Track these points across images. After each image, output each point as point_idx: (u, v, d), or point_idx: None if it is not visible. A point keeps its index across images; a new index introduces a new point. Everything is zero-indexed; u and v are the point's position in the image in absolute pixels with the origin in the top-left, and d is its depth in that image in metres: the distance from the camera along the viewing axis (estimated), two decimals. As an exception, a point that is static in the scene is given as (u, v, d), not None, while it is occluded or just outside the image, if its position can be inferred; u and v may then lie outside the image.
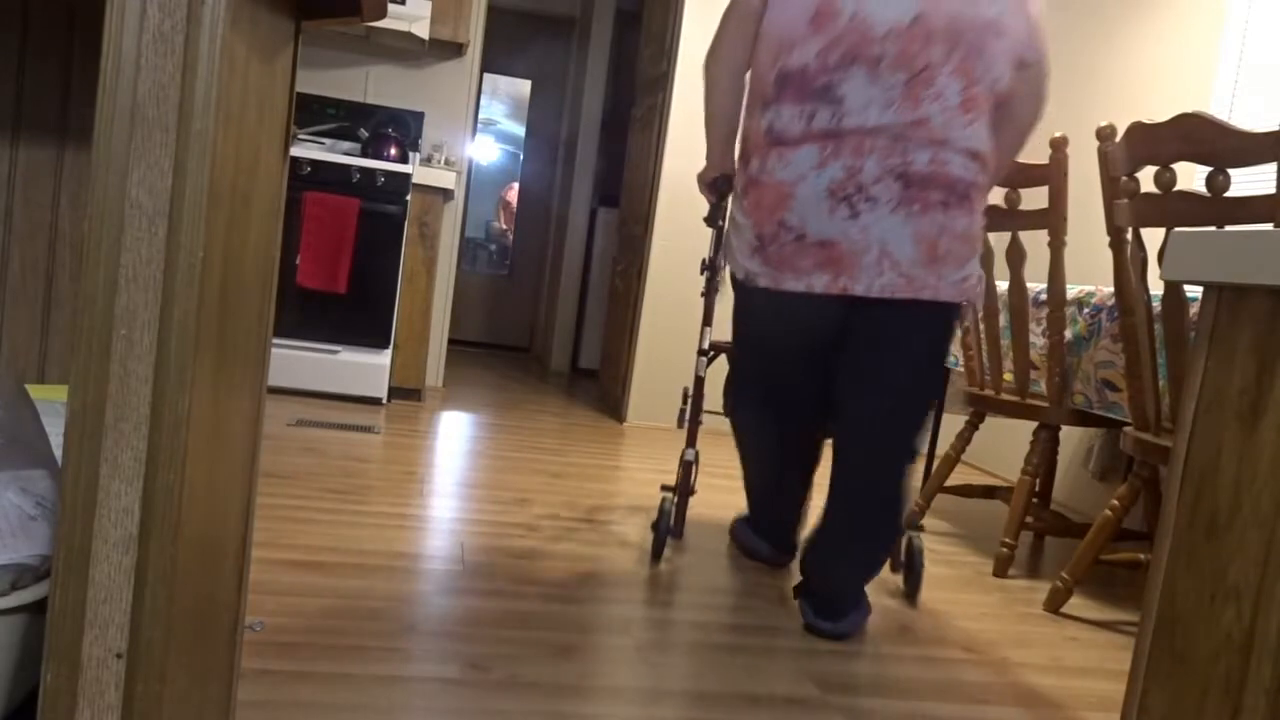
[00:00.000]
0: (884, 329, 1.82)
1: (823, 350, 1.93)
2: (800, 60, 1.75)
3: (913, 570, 2.16)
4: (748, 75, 1.93)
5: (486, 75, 5.99)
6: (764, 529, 2.25)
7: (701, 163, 3.75)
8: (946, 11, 1.70)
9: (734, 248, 1.92)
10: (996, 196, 2.61)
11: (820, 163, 1.75)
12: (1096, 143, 2.06)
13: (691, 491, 2.37)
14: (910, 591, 2.18)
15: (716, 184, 2.11)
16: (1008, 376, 2.72)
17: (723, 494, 2.93)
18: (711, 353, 2.29)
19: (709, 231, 3.78)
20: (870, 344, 1.84)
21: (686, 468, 2.30)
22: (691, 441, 2.28)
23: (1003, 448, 3.85)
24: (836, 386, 1.92)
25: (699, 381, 2.28)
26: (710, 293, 2.25)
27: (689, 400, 2.33)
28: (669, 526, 2.20)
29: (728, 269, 2.02)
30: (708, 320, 2.26)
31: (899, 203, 1.74)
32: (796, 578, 2.19)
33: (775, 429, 2.09)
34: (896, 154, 1.73)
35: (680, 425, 2.34)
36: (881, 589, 2.18)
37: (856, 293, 1.77)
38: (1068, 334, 2.41)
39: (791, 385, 2.02)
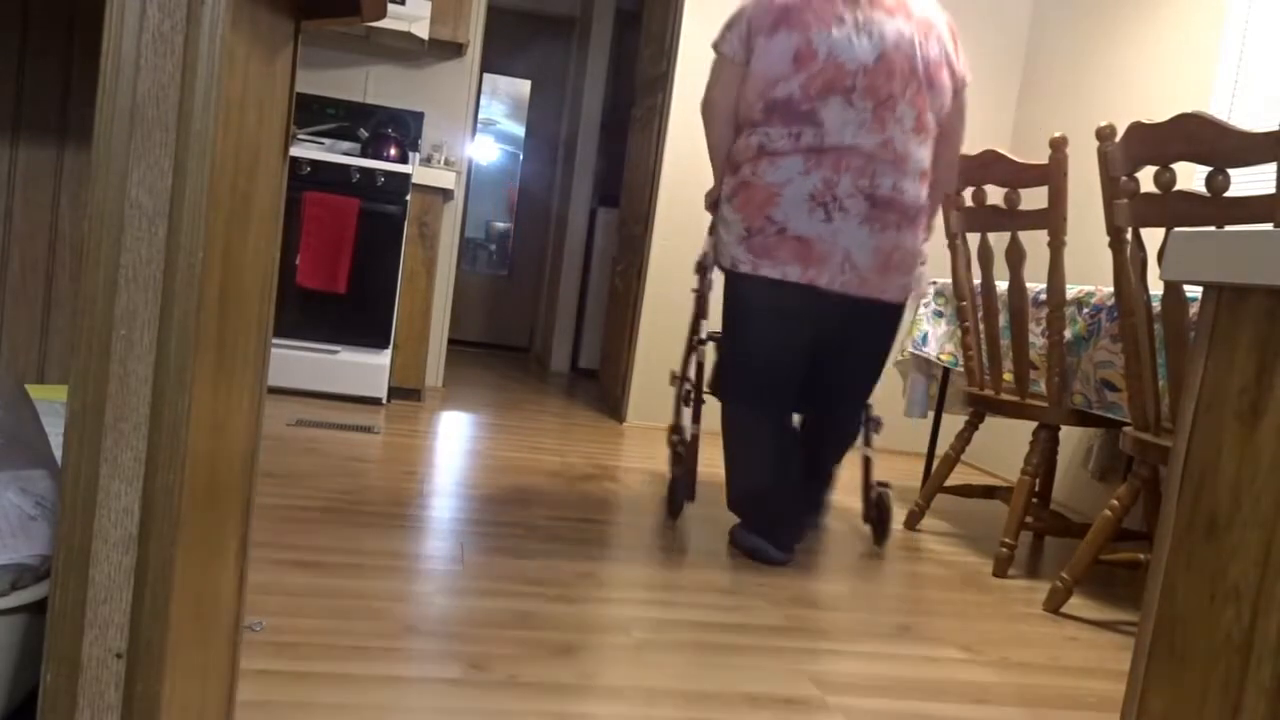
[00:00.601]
0: (848, 319, 2.26)
1: (796, 338, 2.24)
2: (785, 92, 2.13)
3: (881, 522, 2.53)
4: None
5: (486, 75, 6.00)
6: (763, 528, 2.27)
7: (701, 160, 3.81)
8: (904, 53, 2.13)
9: (724, 241, 2.24)
10: (996, 196, 2.61)
11: (805, 170, 2.12)
12: (1096, 143, 2.06)
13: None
14: (878, 539, 2.56)
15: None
16: (1007, 376, 2.72)
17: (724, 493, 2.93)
18: (707, 341, 2.61)
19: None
20: (835, 329, 2.27)
21: (694, 439, 2.58)
22: (696, 418, 2.58)
23: (1003, 448, 3.85)
24: (815, 364, 2.33)
25: (700, 367, 2.58)
26: (704, 289, 2.54)
27: (681, 382, 2.66)
28: (684, 492, 2.55)
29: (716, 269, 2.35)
30: (704, 314, 2.58)
31: (864, 219, 2.14)
32: (797, 577, 2.19)
33: (771, 426, 2.25)
34: (866, 175, 2.13)
35: (686, 404, 2.66)
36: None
37: (821, 284, 2.16)
38: (1067, 334, 2.41)
39: (775, 372, 2.24)
